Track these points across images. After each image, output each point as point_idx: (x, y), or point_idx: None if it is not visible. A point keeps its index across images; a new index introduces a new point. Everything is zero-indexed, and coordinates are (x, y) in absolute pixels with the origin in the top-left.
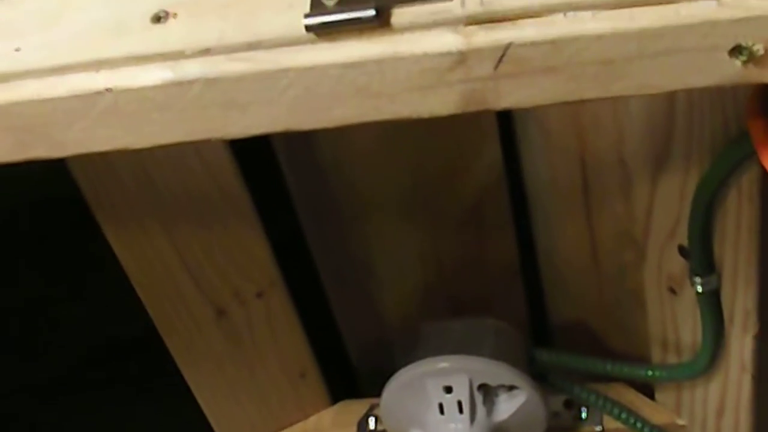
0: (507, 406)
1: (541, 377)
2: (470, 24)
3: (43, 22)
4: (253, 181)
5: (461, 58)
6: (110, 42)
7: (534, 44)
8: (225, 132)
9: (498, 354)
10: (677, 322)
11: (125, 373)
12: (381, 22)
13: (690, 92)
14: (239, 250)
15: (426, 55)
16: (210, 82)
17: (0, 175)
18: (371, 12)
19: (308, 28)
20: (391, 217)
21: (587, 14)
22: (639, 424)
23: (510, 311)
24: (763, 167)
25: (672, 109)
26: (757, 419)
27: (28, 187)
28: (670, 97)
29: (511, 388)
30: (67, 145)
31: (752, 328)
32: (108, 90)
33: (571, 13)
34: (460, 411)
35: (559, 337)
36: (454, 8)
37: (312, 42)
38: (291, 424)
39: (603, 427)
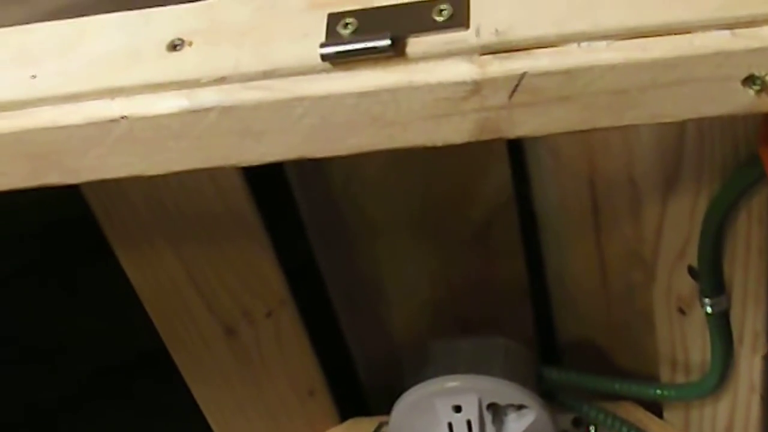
0: (516, 426)
1: (549, 396)
2: (485, 54)
3: (60, 49)
4: (263, 201)
5: (476, 87)
6: (126, 70)
7: (548, 74)
8: (240, 159)
9: (507, 373)
10: (686, 342)
11: (134, 390)
12: (396, 52)
13: (701, 118)
14: (249, 270)
15: (441, 85)
16: (225, 111)
17: (15, 196)
18: (387, 41)
19: (324, 57)
20: (400, 238)
21: (601, 44)
22: None
23: (519, 330)
24: None
25: (682, 131)
26: None
27: (40, 208)
28: (681, 121)
29: (520, 407)
30: (81, 171)
31: (761, 349)
32: (123, 118)
33: (585, 44)
34: (469, 430)
35: (568, 357)
36: (469, 38)
37: (327, 71)
38: None
39: None
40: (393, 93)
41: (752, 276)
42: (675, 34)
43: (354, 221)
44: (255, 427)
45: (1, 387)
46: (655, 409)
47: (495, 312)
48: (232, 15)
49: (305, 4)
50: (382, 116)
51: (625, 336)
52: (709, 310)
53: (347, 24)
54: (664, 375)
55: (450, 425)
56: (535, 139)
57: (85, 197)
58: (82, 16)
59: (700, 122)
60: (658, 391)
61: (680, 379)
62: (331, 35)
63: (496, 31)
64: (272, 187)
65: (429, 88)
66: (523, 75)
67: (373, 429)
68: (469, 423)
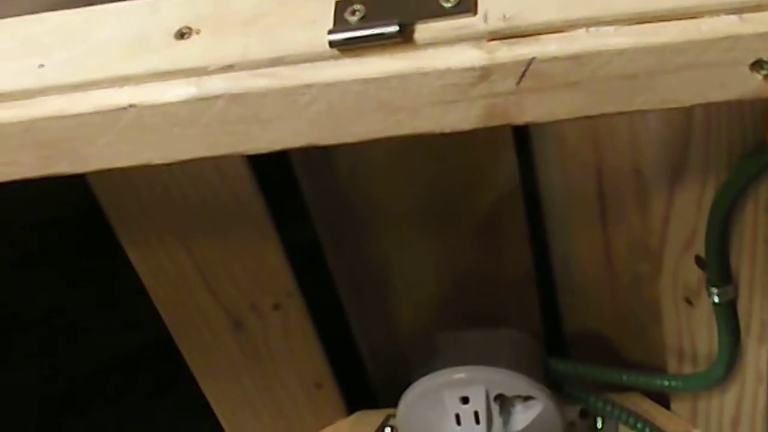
0: (523, 417)
1: (556, 387)
2: (493, 39)
3: (67, 38)
4: (270, 193)
5: (484, 73)
6: (134, 58)
7: (556, 59)
8: (248, 147)
9: (514, 364)
10: (693, 333)
11: (142, 383)
12: (404, 38)
13: (708, 104)
14: (256, 262)
15: (449, 71)
16: (233, 98)
17: (17, 190)
18: (394, 28)
19: (332, 43)
20: (407, 228)
21: (609, 29)
22: None
23: (525, 321)
24: None
25: (689, 119)
26: None
27: (45, 200)
28: (688, 107)
29: (527, 398)
30: (90, 160)
31: None
32: (131, 106)
33: (593, 29)
34: (477, 422)
35: (575, 347)
36: (477, 24)
37: (335, 58)
38: None
39: None
40: (401, 79)
41: (759, 265)
42: (683, 18)
43: (360, 212)
44: (262, 420)
45: (4, 381)
46: (663, 400)
47: (501, 303)
48: (240, 2)
49: None
50: (389, 103)
51: (631, 326)
52: (716, 299)
53: (355, 11)
54: (671, 366)
55: (457, 416)
56: (541, 128)
57: (93, 188)
58: (90, 5)
59: (708, 110)
60: (665, 382)
61: (687, 369)
62: (339, 22)
63: (504, 16)
64: (278, 178)
65: (437, 74)
66: (531, 61)
67: (380, 422)
68: (476, 414)
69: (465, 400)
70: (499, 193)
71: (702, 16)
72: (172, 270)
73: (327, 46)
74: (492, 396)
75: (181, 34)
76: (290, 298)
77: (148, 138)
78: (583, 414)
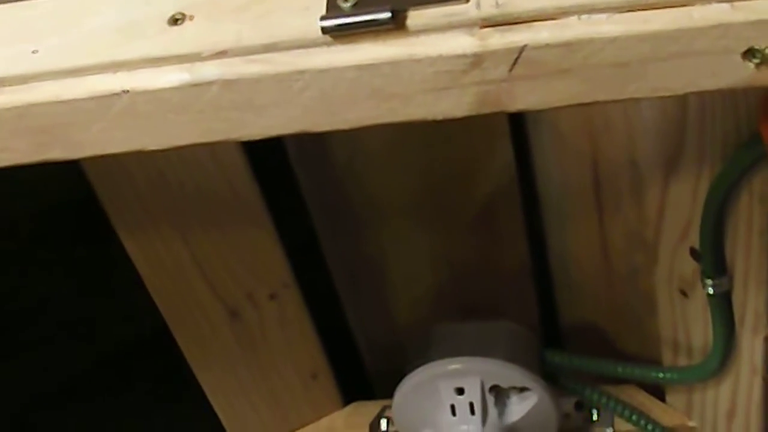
0: (518, 408)
1: (552, 379)
2: (485, 26)
3: (61, 24)
4: (266, 183)
5: (476, 60)
6: (127, 44)
7: (548, 46)
8: (241, 133)
9: (510, 356)
10: (688, 325)
11: (138, 375)
12: (396, 25)
13: (702, 94)
14: (252, 251)
15: (441, 58)
16: (226, 84)
17: (11, 179)
18: (387, 14)
19: (324, 30)
20: (403, 219)
21: (602, 17)
22: (650, 426)
23: (521, 313)
24: None
25: (684, 110)
26: None
27: (39, 189)
28: (682, 98)
29: (522, 389)
30: (84, 146)
31: (763, 330)
32: (125, 91)
33: (585, 16)
34: (472, 412)
35: (571, 339)
36: (469, 10)
37: (328, 44)
38: (303, 426)
39: (614, 429)
40: (393, 66)
41: (754, 257)
42: (675, 6)
43: (357, 203)
44: (259, 411)
45: (2, 373)
46: (658, 392)
47: (498, 295)
48: None
49: None
50: (382, 89)
51: (627, 319)
52: (710, 291)
53: None
54: (667, 358)
55: (453, 407)
56: (537, 119)
57: (88, 176)
58: None
59: (702, 101)
60: (660, 374)
61: (682, 362)
62: (332, 8)
63: (497, 3)
64: (275, 168)
65: (429, 61)
66: (523, 48)
67: (376, 412)
68: (471, 405)
69: (460, 391)
70: (495, 185)
71: (694, 4)
72: (168, 259)
73: (320, 32)
74: (487, 387)
75: (175, 20)
76: (286, 288)
77: (142, 124)
78: (579, 406)
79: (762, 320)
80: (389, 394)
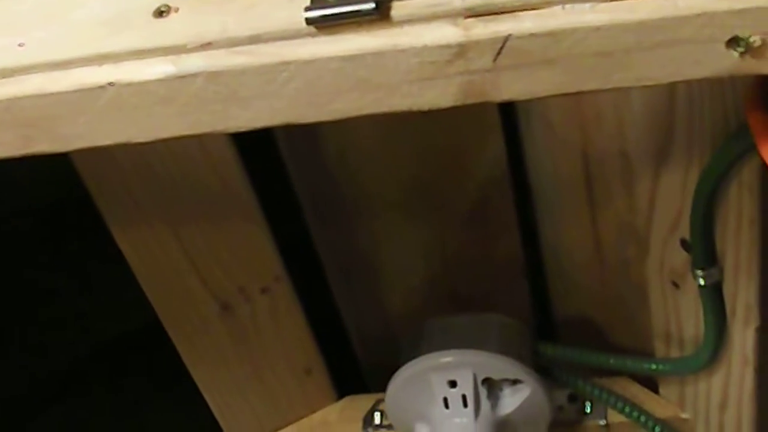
0: (511, 400)
1: (545, 371)
2: (469, 16)
3: (47, 17)
4: (257, 176)
5: (460, 50)
6: (113, 36)
7: (533, 36)
8: (227, 125)
9: (502, 348)
10: (680, 316)
11: (132, 369)
12: (381, 15)
13: (690, 85)
14: (243, 245)
15: (425, 48)
16: (212, 76)
17: (6, 176)
18: (371, 5)
19: (309, 21)
20: (395, 212)
21: (585, 6)
22: (643, 418)
23: (514, 306)
24: (762, 159)
25: (673, 101)
26: (761, 412)
27: (33, 187)
28: (671, 89)
29: (515, 382)
30: (70, 139)
31: (754, 321)
32: (111, 84)
33: (569, 5)
34: (465, 405)
35: (563, 332)
36: (453, 1)
37: (312, 35)
38: (297, 420)
39: (607, 421)
40: (378, 57)
41: (744, 247)
42: None
43: (349, 196)
44: (252, 405)
45: None
46: (651, 384)
47: (490, 287)
48: None
49: None
50: (367, 80)
51: (620, 311)
52: (701, 282)
53: None
54: (659, 350)
55: (445, 400)
56: (528, 111)
57: (78, 171)
58: None
59: (690, 91)
60: (653, 366)
61: (674, 353)
62: None
63: None
64: (266, 161)
65: (414, 51)
66: (507, 37)
67: (370, 406)
68: (464, 398)
69: (453, 384)
70: (487, 177)
71: None
72: (159, 253)
73: (304, 23)
74: (480, 379)
75: (160, 12)
76: (278, 282)
77: (129, 116)
78: (572, 398)
79: (753, 311)
80: (383, 388)
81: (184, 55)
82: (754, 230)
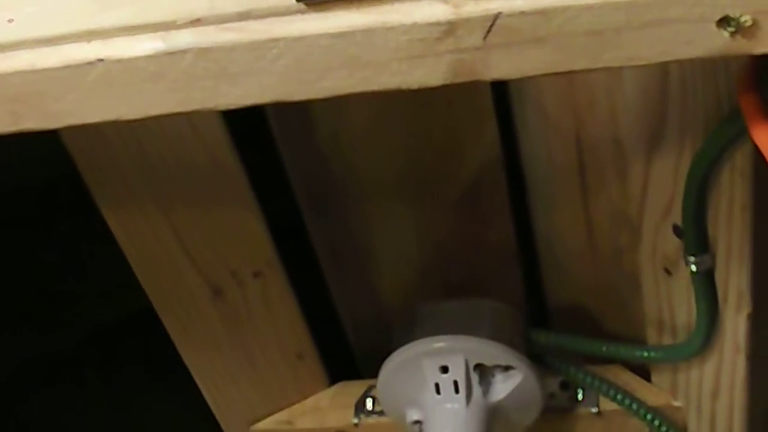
0: (503, 386)
1: (537, 358)
2: None
3: None
4: (250, 160)
5: (450, 28)
6: (102, 12)
7: (523, 14)
8: (217, 102)
9: (494, 334)
10: (672, 303)
11: (124, 354)
12: None
13: (683, 68)
14: (235, 229)
15: (415, 25)
16: (201, 52)
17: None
18: None
19: None
20: (388, 197)
21: None
22: (635, 406)
23: (507, 292)
24: (754, 143)
25: (665, 85)
26: (752, 400)
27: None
28: (664, 74)
29: (507, 368)
30: (59, 116)
31: (746, 308)
32: (100, 60)
33: None
34: (456, 391)
35: (556, 319)
36: None
37: (302, 12)
38: (289, 405)
39: (599, 409)
40: (367, 34)
41: (736, 233)
42: None
43: (341, 181)
44: (244, 390)
45: None
46: (643, 372)
47: (484, 273)
48: None
49: None
50: (356, 58)
51: (612, 299)
52: (693, 268)
53: None
54: (651, 337)
55: (437, 386)
56: (522, 97)
57: (69, 151)
58: None
59: (683, 75)
60: (645, 353)
61: (667, 341)
62: None
63: None
64: (259, 146)
65: (403, 29)
66: (497, 15)
67: (362, 392)
68: (455, 383)
69: (444, 369)
70: (480, 164)
71: None
72: (151, 235)
73: (294, 0)
74: (471, 365)
75: None
76: (271, 266)
77: (118, 93)
78: (564, 385)
79: (745, 298)
80: (375, 374)
81: (173, 32)
82: (746, 216)
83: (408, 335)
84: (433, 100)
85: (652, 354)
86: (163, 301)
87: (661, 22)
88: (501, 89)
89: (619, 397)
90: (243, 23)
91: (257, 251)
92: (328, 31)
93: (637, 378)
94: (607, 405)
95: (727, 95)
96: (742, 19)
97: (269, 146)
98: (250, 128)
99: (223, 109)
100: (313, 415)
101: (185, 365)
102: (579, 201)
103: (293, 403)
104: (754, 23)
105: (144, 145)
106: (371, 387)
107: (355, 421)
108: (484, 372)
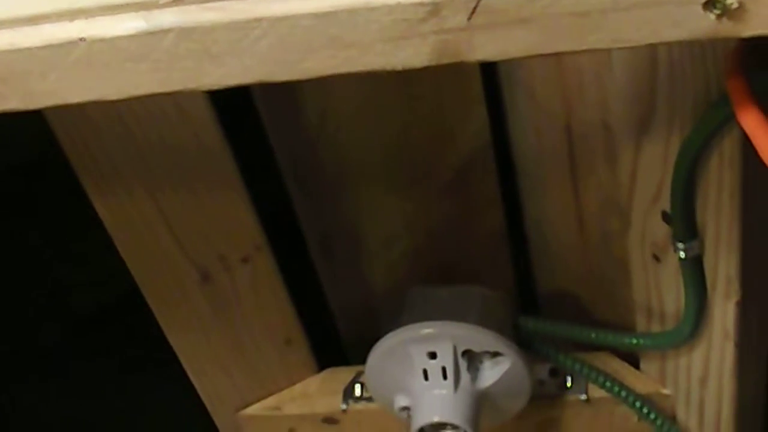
0: (491, 373)
1: (526, 345)
2: None
3: None
4: (238, 144)
5: (434, 8)
6: None
7: None
8: (200, 83)
9: (483, 320)
10: (661, 290)
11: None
12: None
13: (671, 53)
14: (223, 212)
15: (399, 5)
16: (183, 32)
17: None
18: None
19: None
20: (377, 182)
21: None
22: (623, 393)
23: (497, 278)
24: (740, 127)
25: (654, 71)
26: (741, 387)
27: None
28: (653, 59)
29: (495, 354)
30: (41, 96)
31: (735, 295)
32: (82, 40)
33: None
34: (444, 377)
35: (546, 306)
36: None
37: None
38: (277, 391)
39: (587, 396)
40: (350, 14)
41: (724, 219)
42: None
43: (331, 165)
44: (232, 376)
45: None
46: (632, 359)
47: (473, 260)
48: None
49: None
50: (339, 38)
51: (602, 286)
52: (682, 255)
53: None
54: (640, 324)
55: (425, 372)
56: (512, 83)
57: (56, 134)
58: None
59: (672, 60)
60: (634, 340)
61: (656, 328)
62: None
63: None
64: (246, 129)
65: (387, 9)
66: None
67: (350, 378)
68: (444, 370)
69: (432, 356)
70: (470, 149)
71: None
72: (138, 219)
73: None
74: (460, 351)
75: None
76: (259, 251)
77: (100, 73)
78: (553, 372)
79: (734, 285)
80: (364, 361)
81: (155, 11)
82: (735, 202)
83: (396, 321)
84: (423, 85)
85: (641, 341)
86: (150, 286)
87: (647, 3)
88: (491, 74)
89: (608, 384)
90: (225, 3)
91: (245, 236)
92: (311, 11)
93: (626, 365)
94: (595, 392)
95: (716, 81)
96: (728, 2)
97: (257, 130)
98: (238, 111)
99: (206, 89)
100: (302, 401)
101: (172, 350)
102: (569, 187)
103: (281, 389)
104: (740, 6)
105: (130, 127)
106: (360, 373)
107: (344, 407)
108: (472, 358)
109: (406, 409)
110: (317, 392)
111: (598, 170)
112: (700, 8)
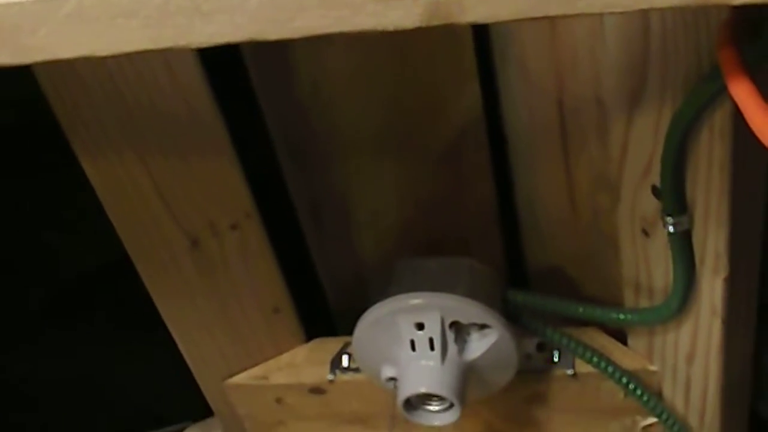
0: (478, 345)
1: (514, 319)
2: None
3: None
4: (229, 110)
5: None
6: None
7: None
8: (190, 40)
9: (471, 292)
10: (650, 265)
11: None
12: None
13: (664, 25)
14: (213, 179)
15: None
16: None
17: None
18: None
19: None
20: (369, 153)
21: None
22: (610, 369)
23: (487, 252)
24: (731, 98)
25: (647, 42)
26: (728, 365)
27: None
28: (645, 30)
29: (483, 327)
30: (31, 50)
31: (723, 271)
32: None
33: None
34: (432, 348)
35: (535, 281)
36: None
37: None
38: (264, 360)
39: (574, 371)
40: None
41: (714, 194)
42: None
43: (321, 136)
44: (219, 344)
45: None
46: (620, 335)
47: (463, 233)
48: None
49: None
50: None
51: (592, 261)
52: (671, 229)
53: None
54: (628, 300)
55: (412, 342)
56: (505, 57)
57: (45, 93)
58: None
59: (664, 32)
60: (621, 316)
61: (644, 304)
62: None
63: None
64: (238, 96)
65: None
66: None
67: (338, 349)
68: (431, 341)
69: (420, 326)
70: (462, 123)
71: None
72: (128, 184)
73: None
74: (447, 323)
75: None
76: (248, 218)
77: (90, 28)
78: (540, 347)
79: (722, 261)
80: (352, 332)
81: None
82: (725, 176)
83: (385, 292)
84: (416, 58)
85: (628, 316)
86: (139, 251)
87: None
88: (484, 47)
89: (594, 359)
90: None
91: (235, 203)
92: None
93: (613, 341)
94: (582, 367)
95: (708, 52)
96: None
97: (249, 98)
98: (230, 79)
99: (195, 47)
100: (289, 370)
101: (159, 316)
102: (560, 162)
103: (268, 358)
104: None
105: (121, 89)
106: (347, 344)
107: (331, 377)
108: (459, 330)
109: (392, 379)
110: (305, 362)
111: (589, 145)
112: None
